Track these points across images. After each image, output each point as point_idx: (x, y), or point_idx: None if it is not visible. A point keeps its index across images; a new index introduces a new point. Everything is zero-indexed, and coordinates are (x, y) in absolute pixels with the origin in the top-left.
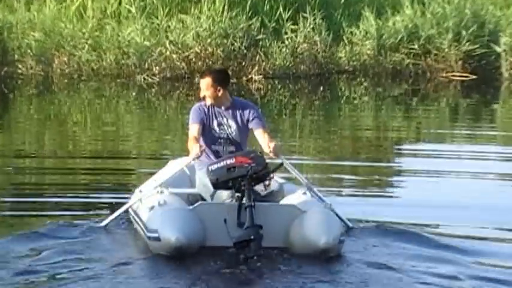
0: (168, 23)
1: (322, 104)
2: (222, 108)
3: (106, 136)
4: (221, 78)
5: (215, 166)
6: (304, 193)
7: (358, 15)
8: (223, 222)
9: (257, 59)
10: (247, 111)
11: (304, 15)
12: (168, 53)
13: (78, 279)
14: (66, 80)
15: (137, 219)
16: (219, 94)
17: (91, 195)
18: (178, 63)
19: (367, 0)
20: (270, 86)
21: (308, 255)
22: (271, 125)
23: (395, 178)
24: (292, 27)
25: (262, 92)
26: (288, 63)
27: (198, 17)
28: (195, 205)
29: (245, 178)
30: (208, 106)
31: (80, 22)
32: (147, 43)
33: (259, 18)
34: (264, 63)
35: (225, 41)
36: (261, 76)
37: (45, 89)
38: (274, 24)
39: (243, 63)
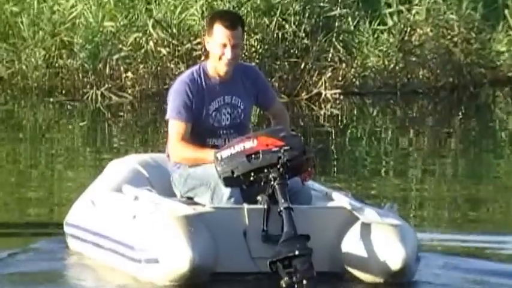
0: None
1: (461, 143)
2: (224, 79)
3: (21, 210)
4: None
5: (227, 152)
6: (346, 194)
7: None
8: (242, 236)
9: (330, 56)
10: (253, 77)
11: None
12: (151, 44)
13: None
14: None
15: (102, 238)
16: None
17: None
18: (172, 66)
19: None
20: (355, 109)
21: (373, 281)
22: (366, 179)
23: None
24: None
25: (339, 120)
26: (391, 65)
27: None
28: (201, 211)
29: (275, 169)
30: (204, 79)
31: None
32: (109, 25)
33: None
34: (343, 65)
35: (265, 20)
36: (337, 91)
37: None
38: None
39: (303, 66)
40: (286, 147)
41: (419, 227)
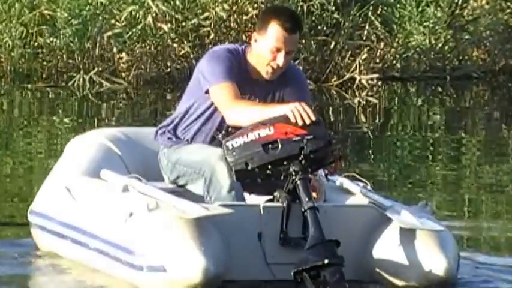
0: None
1: None
2: (261, 78)
3: None
4: None
5: (239, 141)
6: (365, 186)
7: None
8: (257, 239)
9: (365, 33)
10: (294, 85)
11: None
12: (150, 19)
13: None
14: None
15: (86, 236)
16: None
17: None
18: (175, 45)
19: None
20: (395, 98)
21: None
22: (409, 180)
23: None
24: None
25: (376, 110)
26: (439, 44)
27: None
28: (215, 212)
29: (297, 161)
30: (243, 66)
31: None
32: None
33: None
34: (381, 44)
35: None
36: (374, 75)
37: None
38: None
39: (333, 46)
40: (309, 136)
41: (472, 243)
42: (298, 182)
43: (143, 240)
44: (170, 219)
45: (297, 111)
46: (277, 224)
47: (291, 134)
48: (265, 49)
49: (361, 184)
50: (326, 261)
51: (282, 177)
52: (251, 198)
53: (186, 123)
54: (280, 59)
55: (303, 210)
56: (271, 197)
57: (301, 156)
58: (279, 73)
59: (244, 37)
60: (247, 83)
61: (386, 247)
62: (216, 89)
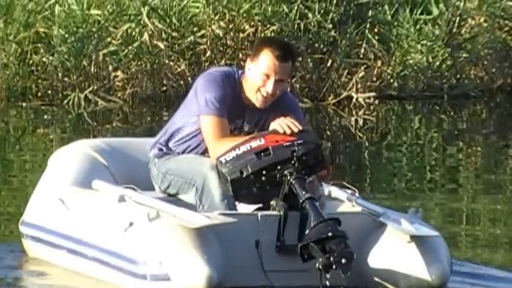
0: None
1: None
2: (253, 105)
3: None
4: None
5: (232, 154)
6: (353, 194)
7: None
8: (254, 247)
9: (362, 52)
10: (287, 113)
11: None
12: (146, 37)
13: None
14: None
15: (85, 246)
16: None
17: None
18: (172, 63)
19: None
20: (392, 117)
21: None
22: (406, 200)
23: None
24: None
25: (374, 129)
26: (436, 63)
27: None
28: (217, 222)
29: (290, 164)
30: (237, 90)
31: None
32: (96, 13)
33: None
34: (378, 62)
35: (284, 7)
36: (371, 94)
37: None
38: None
39: (330, 64)
40: (299, 141)
41: (466, 250)
42: (293, 181)
43: (145, 249)
44: (172, 228)
45: (284, 123)
46: (274, 232)
47: (281, 141)
48: (256, 75)
49: (349, 191)
50: (330, 234)
51: (277, 181)
52: (241, 207)
53: (178, 137)
54: (269, 86)
55: (301, 201)
56: (261, 205)
57: (294, 159)
58: (271, 101)
59: (240, 55)
60: (239, 108)
61: (381, 253)
62: (205, 120)
